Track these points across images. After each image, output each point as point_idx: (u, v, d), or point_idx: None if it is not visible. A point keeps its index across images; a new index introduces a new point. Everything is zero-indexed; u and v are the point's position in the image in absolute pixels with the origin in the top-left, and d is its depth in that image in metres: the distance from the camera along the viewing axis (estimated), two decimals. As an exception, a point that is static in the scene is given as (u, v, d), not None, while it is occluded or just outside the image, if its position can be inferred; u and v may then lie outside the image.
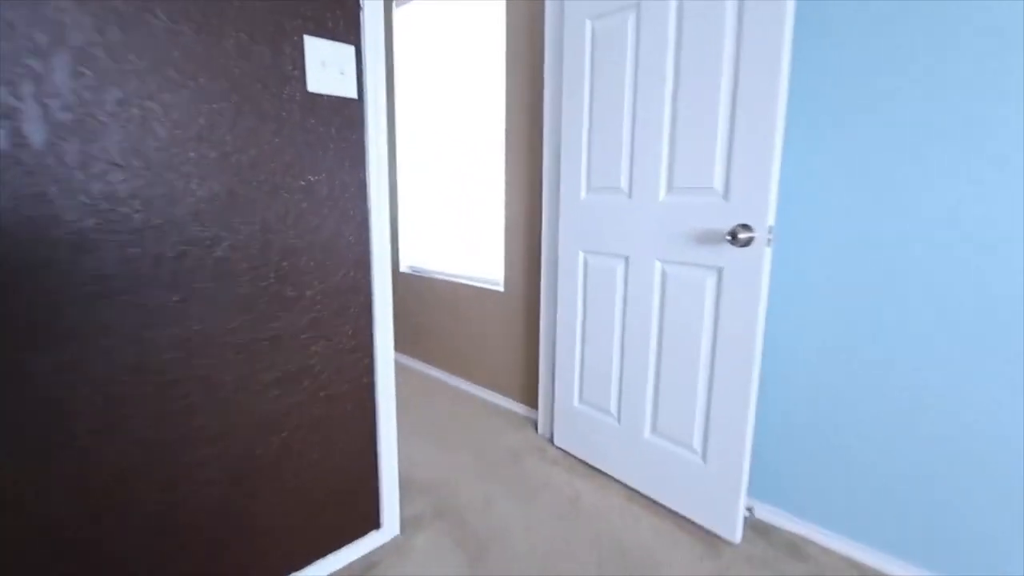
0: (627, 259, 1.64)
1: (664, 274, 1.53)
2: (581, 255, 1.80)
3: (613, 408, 1.74)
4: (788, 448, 1.50)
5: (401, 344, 3.10)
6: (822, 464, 1.44)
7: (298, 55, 1.13)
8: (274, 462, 1.21)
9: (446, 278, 2.69)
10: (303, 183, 1.17)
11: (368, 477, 1.40)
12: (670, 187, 1.49)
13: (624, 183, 1.62)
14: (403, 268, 2.99)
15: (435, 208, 2.77)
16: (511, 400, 2.42)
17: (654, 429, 1.62)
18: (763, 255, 1.29)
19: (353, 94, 1.22)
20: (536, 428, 2.20)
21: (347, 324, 1.29)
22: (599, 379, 1.78)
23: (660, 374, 1.58)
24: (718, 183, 1.37)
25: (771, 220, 1.28)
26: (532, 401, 2.31)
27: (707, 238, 1.41)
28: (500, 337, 2.42)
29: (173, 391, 1.03)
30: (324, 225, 1.22)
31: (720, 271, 1.39)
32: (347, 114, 1.22)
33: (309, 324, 1.22)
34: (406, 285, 2.96)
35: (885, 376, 1.31)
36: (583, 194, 1.76)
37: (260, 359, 1.15)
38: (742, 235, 1.29)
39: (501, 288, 2.39)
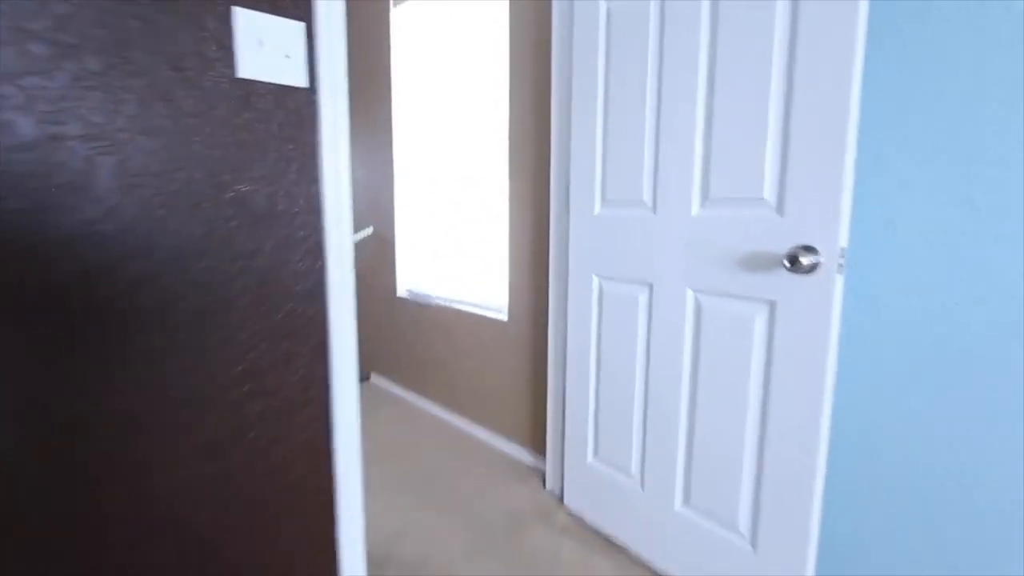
0: (651, 287, 1.34)
1: (698, 306, 1.23)
2: (595, 281, 1.51)
3: (635, 469, 1.43)
4: (863, 527, 1.17)
5: (397, 375, 2.82)
6: (915, 552, 1.11)
7: (225, 31, 0.88)
8: (196, 557, 0.92)
9: (446, 304, 2.41)
10: (232, 195, 0.91)
11: (326, 570, 1.11)
12: (705, 198, 1.20)
13: (646, 195, 1.33)
14: (400, 292, 2.72)
15: (436, 227, 2.51)
16: (516, 445, 2.11)
17: (687, 500, 1.30)
18: (833, 285, 0.99)
19: (302, 82, 0.97)
20: (544, 482, 1.88)
21: (295, 375, 1.01)
22: (617, 432, 1.47)
23: (694, 432, 1.26)
24: (769, 192, 1.08)
25: (844, 240, 0.98)
26: (540, 448, 2.00)
27: (755, 262, 1.11)
28: (503, 372, 2.13)
29: (25, 482, 0.76)
30: (262, 248, 0.95)
31: (772, 305, 1.09)
32: (294, 107, 0.97)
33: (241, 376, 0.95)
34: (403, 311, 2.69)
35: (1009, 440, 0.98)
36: (597, 208, 1.48)
37: (170, 427, 0.88)
38: (805, 260, 0.99)
39: (504, 317, 2.10)
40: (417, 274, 2.67)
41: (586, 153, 1.48)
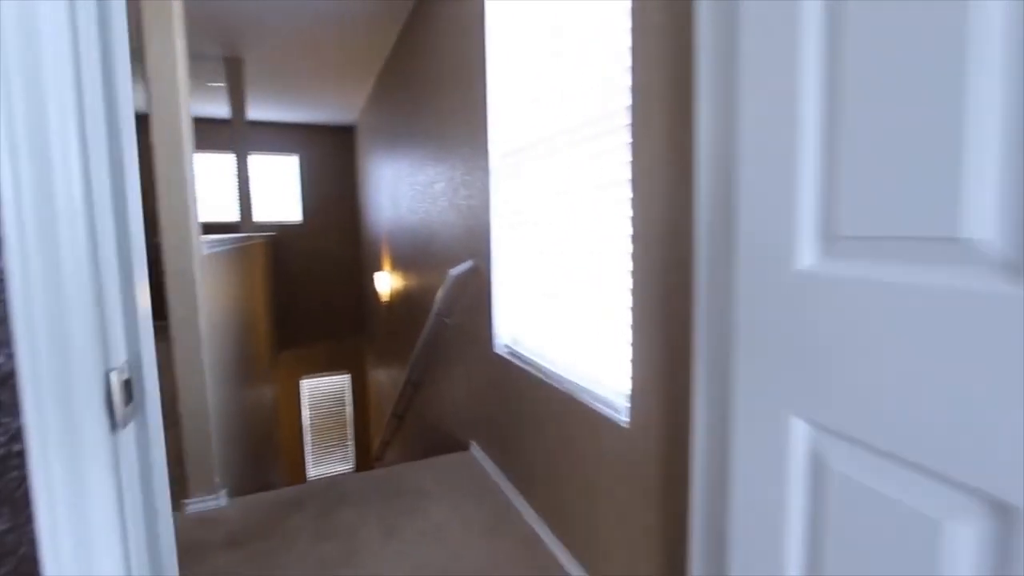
0: (1001, 510, 0.44)
1: None
2: (799, 430, 0.63)
3: None
4: None
5: (495, 451, 2.15)
6: None
7: None
8: None
9: (550, 380, 1.67)
10: None
11: None
12: None
13: (975, 223, 0.44)
14: (498, 348, 2.07)
15: (540, 271, 1.79)
16: (640, 635, 1.26)
17: None
18: None
19: None
20: None
21: None
22: None
23: None
24: None
25: None
26: (679, 664, 1.13)
27: None
28: (620, 505, 1.31)
29: None
30: None
31: None
32: None
33: None
34: (501, 372, 2.03)
35: None
36: (805, 258, 0.61)
37: None
38: None
39: (624, 418, 1.29)
40: (517, 330, 1.99)
41: (771, 129, 0.63)
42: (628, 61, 1.20)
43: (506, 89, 1.95)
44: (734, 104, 0.71)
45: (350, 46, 3.81)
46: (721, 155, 0.77)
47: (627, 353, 1.26)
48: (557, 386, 1.59)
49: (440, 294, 2.50)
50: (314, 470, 6.72)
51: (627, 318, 1.26)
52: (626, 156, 1.25)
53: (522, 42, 1.80)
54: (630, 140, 1.21)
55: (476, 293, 2.27)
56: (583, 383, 1.48)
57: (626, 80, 1.23)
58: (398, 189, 4.00)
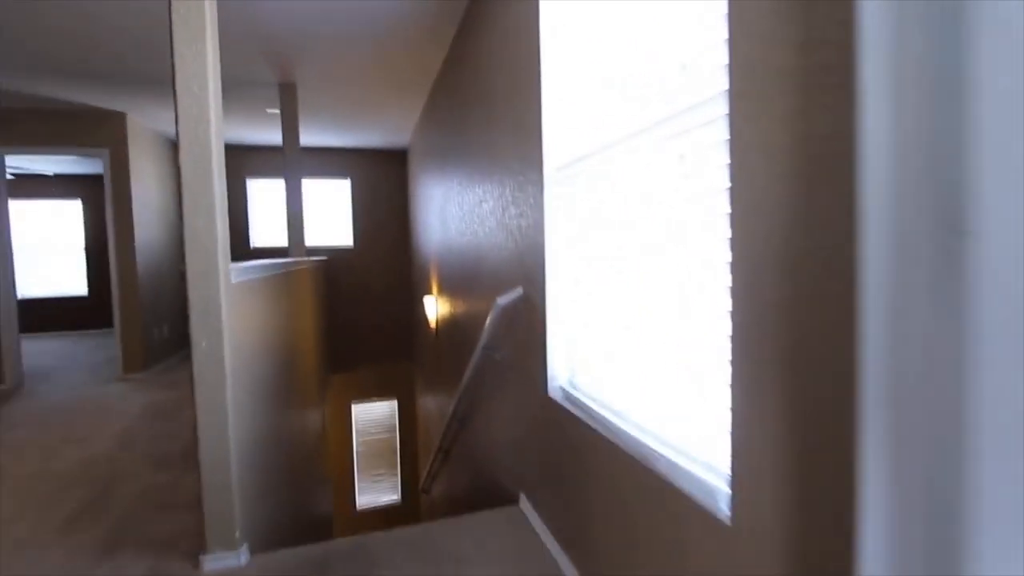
0: None
1: None
2: None
3: None
4: None
5: (547, 511, 1.83)
6: None
7: None
8: None
9: (614, 438, 1.36)
10: None
11: None
12: None
13: None
14: (552, 391, 1.77)
15: (605, 300, 1.50)
16: None
17: None
18: None
19: None
20: None
21: None
22: None
23: None
24: None
25: None
26: None
27: None
28: (719, 625, 0.97)
29: None
30: None
31: None
32: None
33: None
34: (556, 419, 1.72)
35: None
36: None
37: None
38: None
39: (723, 508, 0.96)
40: (575, 372, 1.69)
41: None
42: (724, 32, 0.91)
43: (562, 90, 1.70)
44: (962, 41, 0.41)
45: (400, 66, 3.72)
46: (917, 138, 0.47)
47: (726, 418, 0.94)
48: (625, 448, 1.27)
49: (487, 325, 2.25)
50: (361, 498, 6.57)
51: (725, 371, 0.94)
52: (721, 157, 0.95)
53: (581, 35, 1.55)
54: (727, 136, 0.92)
55: (527, 325, 1.99)
56: (661, 449, 1.15)
57: (720, 57, 0.94)
58: (447, 210, 3.83)
